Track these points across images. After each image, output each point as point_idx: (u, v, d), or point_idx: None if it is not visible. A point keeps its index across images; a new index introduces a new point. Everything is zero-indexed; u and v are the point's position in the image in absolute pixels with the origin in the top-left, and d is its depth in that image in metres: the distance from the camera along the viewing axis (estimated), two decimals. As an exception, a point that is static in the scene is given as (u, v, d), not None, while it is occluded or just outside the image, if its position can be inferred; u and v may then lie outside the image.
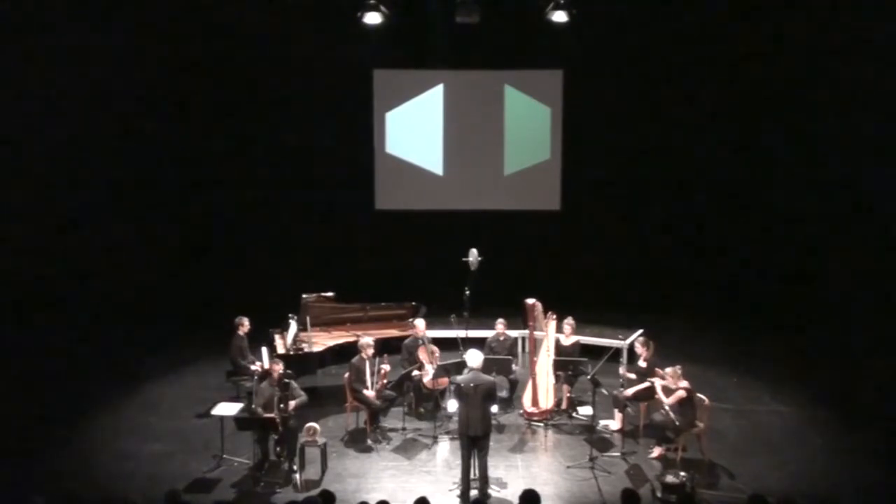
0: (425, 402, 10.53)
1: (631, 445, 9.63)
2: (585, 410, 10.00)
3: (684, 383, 9.16)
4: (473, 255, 11.39)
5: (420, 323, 10.91)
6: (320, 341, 10.92)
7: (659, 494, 8.45)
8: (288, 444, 9.04)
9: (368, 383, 9.96)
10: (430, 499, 6.81)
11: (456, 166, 15.25)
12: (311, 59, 14.50)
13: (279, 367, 9.25)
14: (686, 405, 9.13)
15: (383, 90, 15.13)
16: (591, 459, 9.17)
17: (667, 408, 9.21)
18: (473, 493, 8.43)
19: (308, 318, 10.85)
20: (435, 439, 9.80)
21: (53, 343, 12.44)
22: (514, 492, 8.38)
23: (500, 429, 10.07)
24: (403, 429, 10.06)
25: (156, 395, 11.25)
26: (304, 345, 10.70)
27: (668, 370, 9.27)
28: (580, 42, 13.86)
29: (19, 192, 13.08)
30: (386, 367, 10.06)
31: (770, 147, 14.39)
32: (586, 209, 15.00)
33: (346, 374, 10.14)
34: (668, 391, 9.21)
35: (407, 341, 10.78)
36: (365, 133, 15.16)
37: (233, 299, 12.68)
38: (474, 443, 8.45)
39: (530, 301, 10.64)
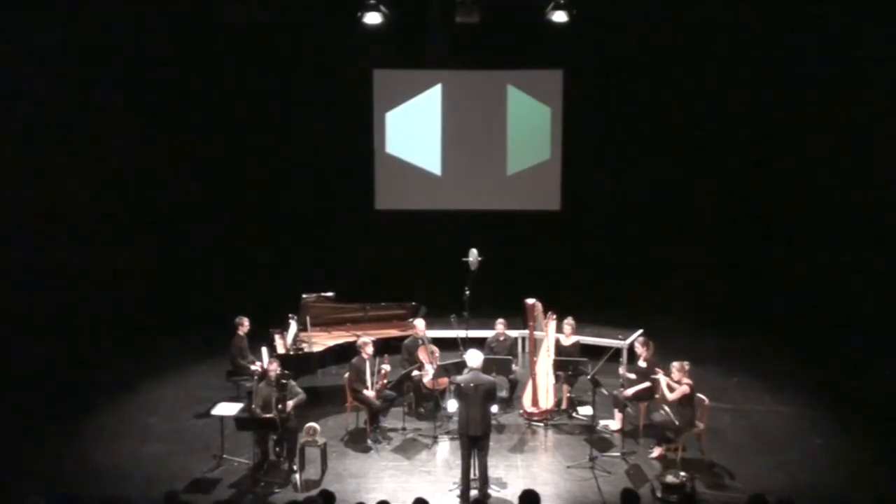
0: (425, 402, 10.52)
1: (631, 445, 9.62)
2: (585, 410, 9.99)
3: (688, 380, 9.15)
4: (473, 255, 11.37)
5: (420, 323, 10.89)
6: (320, 341, 10.90)
7: (659, 494, 8.44)
8: (288, 443, 9.04)
9: (368, 383, 9.95)
10: (430, 499, 6.80)
11: (456, 166, 15.26)
12: (312, 59, 14.51)
13: (275, 368, 9.24)
14: (686, 404, 9.11)
15: (383, 90, 15.14)
16: (591, 459, 9.16)
17: (667, 407, 9.20)
18: (473, 493, 8.43)
19: (308, 318, 10.83)
20: (435, 439, 9.79)
21: (54, 343, 12.43)
22: (514, 492, 8.38)
23: (500, 429, 10.07)
24: (403, 429, 10.06)
25: (156, 395, 11.24)
26: (304, 345, 10.68)
27: (675, 364, 9.20)
28: (580, 42, 13.87)
29: (19, 195, 13.09)
30: (386, 367, 10.05)
31: (771, 147, 14.39)
32: (586, 209, 15.00)
33: (346, 374, 10.14)
34: (672, 388, 9.19)
35: (407, 341, 10.77)
36: (365, 133, 15.17)
37: (233, 299, 12.67)
38: (474, 443, 8.44)
39: (530, 301, 10.62)
